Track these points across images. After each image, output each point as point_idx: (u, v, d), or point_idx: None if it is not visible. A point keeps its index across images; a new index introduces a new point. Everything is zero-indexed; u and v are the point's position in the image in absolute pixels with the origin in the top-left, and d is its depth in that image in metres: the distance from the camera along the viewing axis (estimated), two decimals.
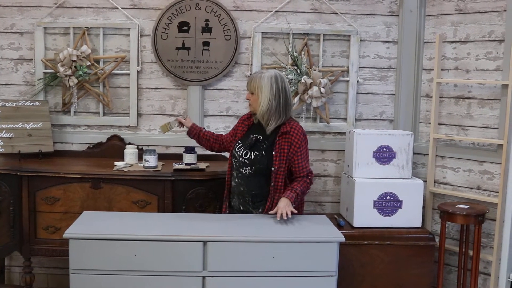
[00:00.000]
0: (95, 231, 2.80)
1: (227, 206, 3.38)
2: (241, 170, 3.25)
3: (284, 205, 3.03)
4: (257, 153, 3.20)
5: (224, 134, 3.54)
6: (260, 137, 3.25)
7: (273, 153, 3.17)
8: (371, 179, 3.81)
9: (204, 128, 3.54)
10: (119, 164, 3.82)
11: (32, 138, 3.99)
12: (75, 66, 4.01)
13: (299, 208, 3.28)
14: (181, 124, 3.49)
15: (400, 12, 4.18)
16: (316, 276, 2.82)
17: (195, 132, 3.49)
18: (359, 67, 4.23)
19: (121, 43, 4.18)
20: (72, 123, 4.22)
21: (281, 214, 3.00)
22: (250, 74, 4.14)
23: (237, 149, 3.29)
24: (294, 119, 3.32)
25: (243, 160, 3.24)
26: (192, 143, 3.66)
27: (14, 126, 3.98)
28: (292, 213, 3.03)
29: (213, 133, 3.53)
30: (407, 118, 4.21)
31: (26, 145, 3.96)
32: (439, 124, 4.09)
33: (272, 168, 3.16)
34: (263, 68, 4.15)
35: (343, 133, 4.22)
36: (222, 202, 3.46)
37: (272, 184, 3.18)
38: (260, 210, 3.23)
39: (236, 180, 3.29)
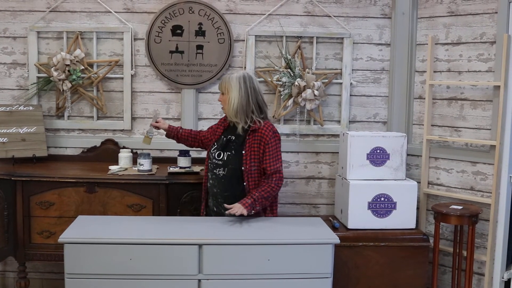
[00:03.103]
0: (90, 236, 2.80)
1: (204, 207, 3.41)
2: (215, 171, 3.28)
3: (237, 208, 3.03)
4: (229, 153, 3.24)
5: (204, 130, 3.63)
6: (232, 137, 3.28)
7: (243, 152, 3.19)
8: (365, 181, 3.82)
9: (181, 128, 3.66)
10: (113, 168, 3.82)
11: (26, 142, 3.98)
12: (68, 70, 4.01)
13: (272, 208, 3.29)
14: (157, 128, 3.64)
15: (393, 15, 4.20)
16: (311, 278, 2.83)
17: (173, 134, 3.63)
18: (352, 70, 4.25)
19: (114, 47, 4.17)
20: (66, 127, 4.22)
21: (233, 211, 3.02)
22: None
23: (212, 150, 3.33)
24: (269, 119, 3.36)
25: (216, 161, 3.27)
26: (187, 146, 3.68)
27: (7, 131, 3.97)
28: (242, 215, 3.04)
29: (191, 131, 3.66)
30: (400, 120, 4.23)
31: (20, 149, 3.95)
32: (432, 125, 4.12)
33: (243, 168, 3.18)
34: (257, 71, 4.17)
35: (337, 135, 4.23)
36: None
37: (244, 184, 3.19)
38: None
39: (211, 181, 3.32)
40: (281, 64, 4.18)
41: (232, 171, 3.21)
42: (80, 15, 4.14)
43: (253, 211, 3.09)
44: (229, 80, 3.24)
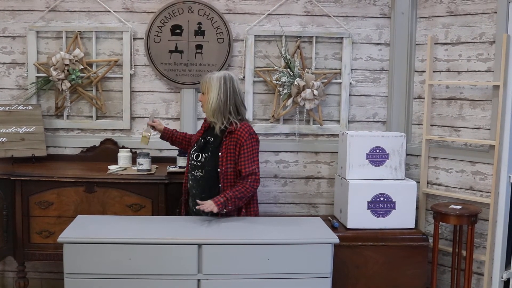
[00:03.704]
0: (90, 235, 2.80)
1: (185, 207, 3.40)
2: (193, 172, 3.27)
3: (208, 205, 3.04)
4: (206, 155, 3.23)
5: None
6: (211, 138, 3.27)
7: (219, 153, 3.18)
8: (365, 180, 3.82)
9: (176, 131, 3.64)
10: (112, 167, 3.82)
11: (25, 142, 3.98)
12: (67, 70, 4.00)
13: (248, 209, 3.27)
14: (154, 128, 3.60)
15: (392, 14, 4.20)
16: (310, 278, 2.83)
17: (167, 136, 3.62)
18: (352, 69, 4.25)
19: (114, 47, 4.17)
20: (65, 127, 4.21)
21: (203, 207, 3.04)
22: (243, 77, 4.16)
23: (192, 151, 3.32)
24: (247, 120, 3.35)
25: (194, 163, 3.26)
26: None
27: (6, 131, 3.96)
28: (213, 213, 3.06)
29: (185, 134, 3.65)
30: (399, 120, 4.24)
31: (19, 149, 3.95)
32: (431, 125, 4.12)
33: (219, 169, 3.17)
34: (256, 71, 4.17)
35: (336, 135, 4.23)
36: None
37: (220, 186, 3.18)
38: (209, 215, 3.20)
39: (190, 182, 3.31)
40: (280, 63, 4.18)
41: (209, 172, 3.20)
42: (79, 15, 4.14)
43: (224, 210, 3.08)
44: (209, 80, 3.22)
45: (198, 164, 3.24)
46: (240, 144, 3.16)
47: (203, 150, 3.25)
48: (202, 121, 4.16)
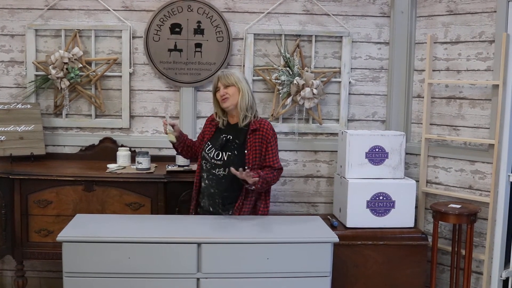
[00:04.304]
0: (89, 234, 2.79)
1: (195, 206, 3.37)
2: (213, 171, 3.23)
3: (248, 176, 3.05)
4: (230, 153, 3.21)
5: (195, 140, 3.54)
6: (230, 137, 3.26)
7: (246, 151, 3.18)
8: (364, 179, 3.82)
9: (187, 136, 3.49)
10: (111, 166, 3.81)
11: (24, 141, 3.97)
12: (66, 69, 4.00)
13: (266, 203, 3.28)
14: (172, 125, 3.38)
15: (392, 13, 4.20)
16: (310, 277, 2.82)
17: (182, 139, 3.40)
18: (351, 68, 4.24)
19: (113, 45, 4.16)
20: (64, 125, 4.21)
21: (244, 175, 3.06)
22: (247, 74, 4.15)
23: (208, 150, 3.28)
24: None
25: (215, 162, 3.23)
26: None
27: (5, 129, 3.95)
28: (247, 182, 3.09)
29: (192, 141, 3.49)
30: (399, 119, 4.23)
31: (17, 148, 3.94)
32: (430, 124, 4.12)
33: (246, 167, 3.16)
34: (256, 69, 4.16)
35: (336, 134, 4.23)
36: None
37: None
38: (230, 213, 3.22)
39: (207, 181, 3.28)
40: (280, 62, 4.17)
41: None
42: (78, 13, 4.13)
43: (253, 187, 3.12)
44: (236, 74, 3.27)
45: (220, 162, 3.21)
46: (267, 140, 3.20)
47: (224, 149, 3.23)
48: (201, 120, 4.20)
